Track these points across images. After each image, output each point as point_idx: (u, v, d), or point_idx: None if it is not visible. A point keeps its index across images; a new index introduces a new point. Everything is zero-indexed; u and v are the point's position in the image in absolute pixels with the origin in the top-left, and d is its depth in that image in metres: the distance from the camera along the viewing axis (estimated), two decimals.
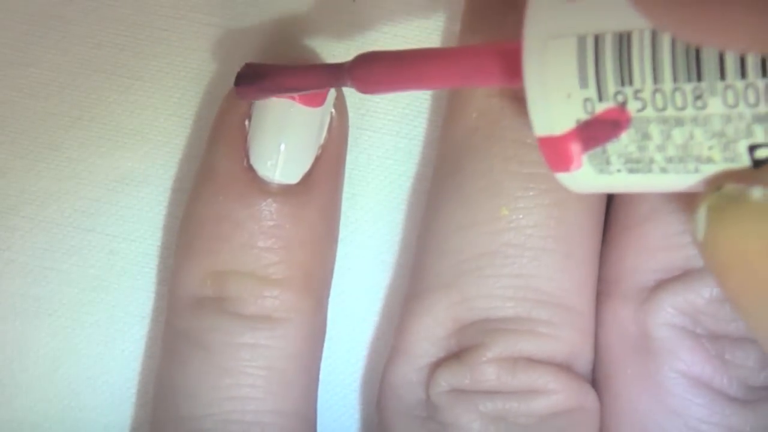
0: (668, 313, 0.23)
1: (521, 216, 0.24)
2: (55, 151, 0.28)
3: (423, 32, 0.27)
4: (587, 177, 0.20)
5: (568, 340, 0.24)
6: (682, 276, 0.23)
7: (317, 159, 0.25)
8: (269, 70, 0.24)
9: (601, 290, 0.25)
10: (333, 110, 0.25)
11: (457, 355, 0.24)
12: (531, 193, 0.24)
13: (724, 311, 0.23)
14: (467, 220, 0.24)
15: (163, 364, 0.26)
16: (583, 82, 0.19)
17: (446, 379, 0.24)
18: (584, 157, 0.20)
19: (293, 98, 0.24)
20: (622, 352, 0.24)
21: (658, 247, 0.24)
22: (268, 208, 0.25)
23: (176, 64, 0.28)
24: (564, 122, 0.19)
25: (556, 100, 0.19)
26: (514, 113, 0.24)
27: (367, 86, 0.22)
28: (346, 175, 0.27)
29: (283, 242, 0.25)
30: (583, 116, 0.19)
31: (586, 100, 0.19)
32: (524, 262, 0.24)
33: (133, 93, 0.28)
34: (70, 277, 0.28)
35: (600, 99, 0.19)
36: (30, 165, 0.28)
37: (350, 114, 0.26)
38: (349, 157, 0.27)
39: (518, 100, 0.24)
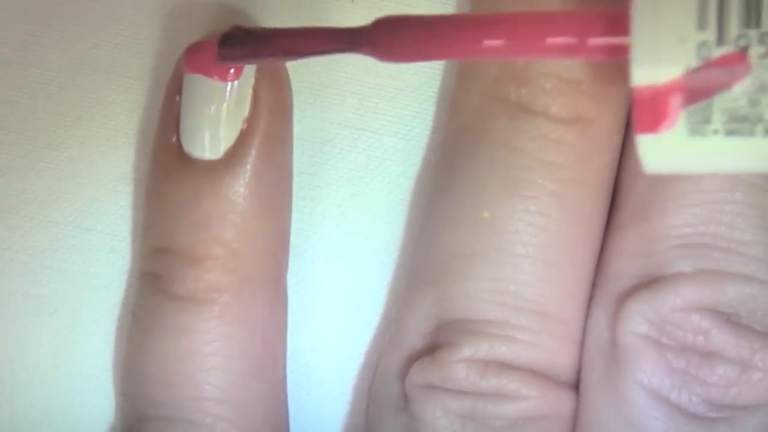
0: (635, 320, 0.23)
1: (503, 221, 0.24)
2: (55, 150, 0.28)
3: None
4: (675, 140, 0.18)
5: (548, 347, 0.24)
6: (651, 284, 0.23)
7: (242, 134, 0.25)
8: (266, 32, 0.23)
9: (591, 294, 0.25)
10: (255, 84, 0.25)
11: (432, 351, 0.24)
12: (514, 199, 0.24)
13: (690, 322, 0.23)
14: (453, 220, 0.24)
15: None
16: (702, 23, 0.17)
17: (420, 374, 0.24)
18: (682, 114, 0.18)
19: (205, 74, 0.24)
20: (593, 358, 0.24)
21: (634, 252, 0.24)
22: (190, 184, 0.25)
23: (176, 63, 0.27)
24: (671, 70, 0.18)
25: (666, 44, 0.17)
26: (508, 116, 0.24)
27: (391, 55, 0.20)
28: (345, 175, 0.27)
29: (203, 220, 0.24)
30: (695, 63, 0.17)
31: (702, 44, 0.17)
32: (505, 267, 0.24)
33: (133, 92, 0.28)
34: (71, 276, 0.28)
35: (719, 42, 0.17)
36: (30, 164, 0.28)
37: (349, 115, 0.27)
38: (348, 158, 0.27)
39: (513, 105, 0.24)
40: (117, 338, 0.28)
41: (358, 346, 0.28)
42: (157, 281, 0.25)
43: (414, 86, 0.27)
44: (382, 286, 0.27)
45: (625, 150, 0.24)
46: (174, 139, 0.25)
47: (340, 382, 0.28)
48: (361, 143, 0.27)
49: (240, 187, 0.25)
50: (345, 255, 0.27)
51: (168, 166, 0.25)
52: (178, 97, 0.25)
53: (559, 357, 0.24)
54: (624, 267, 0.24)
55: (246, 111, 0.25)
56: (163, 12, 0.27)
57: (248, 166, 0.25)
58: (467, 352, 0.24)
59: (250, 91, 0.25)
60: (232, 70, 0.24)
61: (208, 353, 0.25)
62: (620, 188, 0.24)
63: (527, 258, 0.24)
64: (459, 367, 0.24)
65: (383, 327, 0.28)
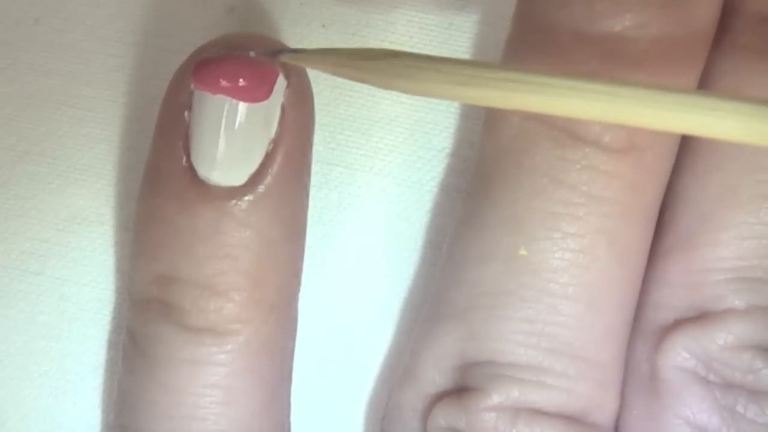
0: (680, 355, 0.23)
1: (541, 259, 0.22)
2: (2, 188, 0.27)
3: None
4: None
5: (583, 393, 0.23)
6: (699, 318, 0.23)
7: (267, 157, 0.23)
8: None
9: None
10: (284, 101, 0.23)
11: (458, 393, 0.23)
12: (555, 236, 0.22)
13: (740, 361, 0.22)
14: (485, 253, 0.23)
15: (119, 364, 0.25)
16: None
17: (444, 417, 0.23)
18: None
19: (231, 94, 0.22)
20: (631, 391, 0.24)
21: (679, 283, 0.23)
22: (208, 212, 0.23)
23: (132, 93, 0.27)
24: None
25: None
26: (552, 142, 0.22)
27: None
28: (316, 214, 0.26)
29: (226, 250, 0.23)
30: None
31: None
32: (540, 308, 0.23)
33: (85, 125, 0.27)
34: (18, 324, 0.27)
35: None
36: None
37: (319, 149, 0.25)
38: (319, 195, 0.26)
39: (560, 130, 0.22)
40: (67, 393, 0.27)
41: (362, 377, 0.27)
42: (167, 311, 0.24)
43: (389, 117, 0.26)
44: (358, 328, 0.27)
45: (672, 172, 0.24)
46: (184, 161, 0.23)
47: (349, 413, 0.27)
48: (332, 179, 0.26)
49: (265, 214, 0.23)
50: (315, 297, 0.26)
51: (180, 192, 0.23)
52: (186, 114, 0.23)
53: (594, 402, 0.23)
54: (666, 297, 0.23)
55: (273, 131, 0.23)
56: (117, 39, 0.27)
57: (274, 191, 0.23)
58: (496, 399, 0.23)
59: (278, 110, 0.23)
60: (264, 89, 0.23)
61: (228, 386, 0.24)
62: (663, 211, 0.24)
63: (566, 299, 0.23)
64: (487, 415, 0.23)
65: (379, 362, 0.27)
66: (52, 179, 0.27)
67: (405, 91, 0.20)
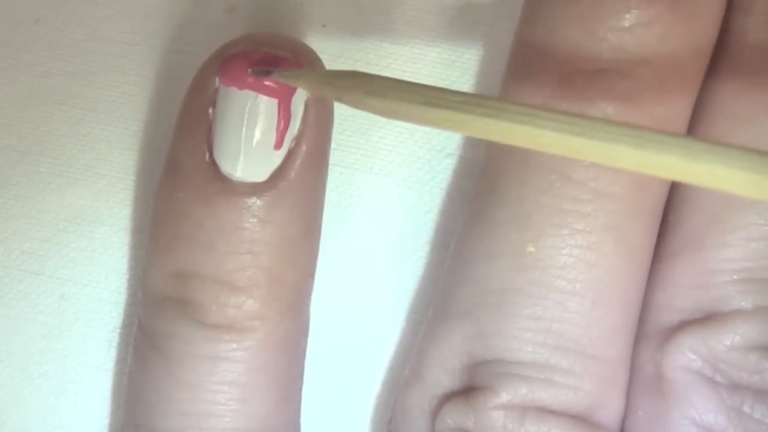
0: (686, 356, 0.23)
1: (549, 255, 0.23)
2: (2, 188, 0.27)
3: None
4: None
5: (590, 391, 0.23)
6: (706, 319, 0.23)
7: (289, 153, 0.23)
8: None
9: None
10: (307, 99, 0.23)
11: (465, 393, 0.23)
12: (563, 232, 0.22)
13: (747, 361, 0.22)
14: (492, 250, 0.23)
15: (130, 362, 0.25)
16: None
17: (452, 417, 0.23)
18: None
19: (258, 89, 0.23)
20: (636, 392, 0.24)
21: (685, 284, 0.23)
22: (231, 208, 0.23)
23: (132, 94, 0.27)
24: None
25: None
26: None
27: None
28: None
29: (247, 246, 0.23)
30: None
31: None
32: (548, 304, 0.23)
33: (85, 125, 0.27)
34: (18, 324, 0.27)
35: None
36: None
37: None
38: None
39: None
40: (67, 393, 0.27)
41: (370, 374, 0.27)
42: (184, 307, 0.23)
43: None
44: (361, 329, 0.27)
45: None
46: (207, 157, 0.23)
47: (356, 415, 0.27)
48: (332, 179, 0.26)
49: (286, 211, 0.23)
50: (316, 297, 0.26)
51: (202, 187, 0.23)
52: (211, 110, 0.23)
53: (601, 400, 0.23)
54: (672, 299, 0.23)
55: (296, 128, 0.23)
56: (118, 39, 0.27)
57: (295, 188, 0.23)
58: (504, 397, 0.23)
59: (302, 107, 0.23)
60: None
61: (245, 383, 0.24)
62: (669, 212, 0.24)
63: (573, 295, 0.23)
64: (495, 414, 0.23)
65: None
66: (52, 179, 0.27)
67: (375, 110, 0.19)
